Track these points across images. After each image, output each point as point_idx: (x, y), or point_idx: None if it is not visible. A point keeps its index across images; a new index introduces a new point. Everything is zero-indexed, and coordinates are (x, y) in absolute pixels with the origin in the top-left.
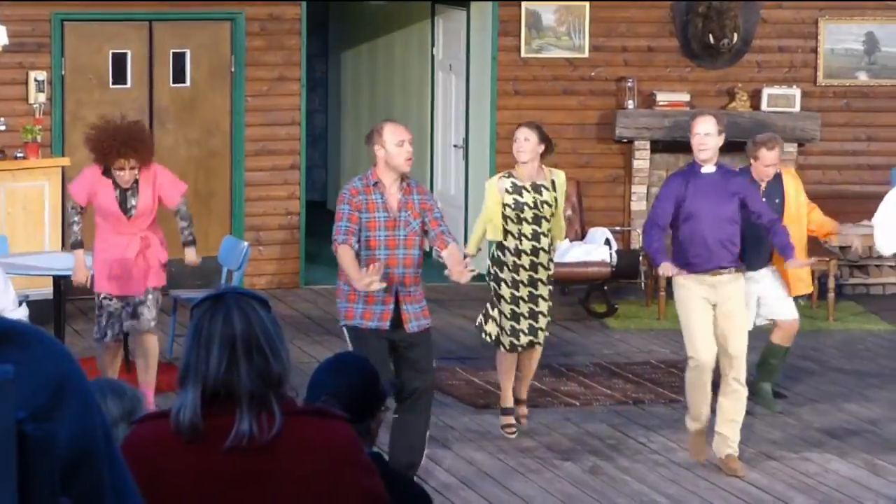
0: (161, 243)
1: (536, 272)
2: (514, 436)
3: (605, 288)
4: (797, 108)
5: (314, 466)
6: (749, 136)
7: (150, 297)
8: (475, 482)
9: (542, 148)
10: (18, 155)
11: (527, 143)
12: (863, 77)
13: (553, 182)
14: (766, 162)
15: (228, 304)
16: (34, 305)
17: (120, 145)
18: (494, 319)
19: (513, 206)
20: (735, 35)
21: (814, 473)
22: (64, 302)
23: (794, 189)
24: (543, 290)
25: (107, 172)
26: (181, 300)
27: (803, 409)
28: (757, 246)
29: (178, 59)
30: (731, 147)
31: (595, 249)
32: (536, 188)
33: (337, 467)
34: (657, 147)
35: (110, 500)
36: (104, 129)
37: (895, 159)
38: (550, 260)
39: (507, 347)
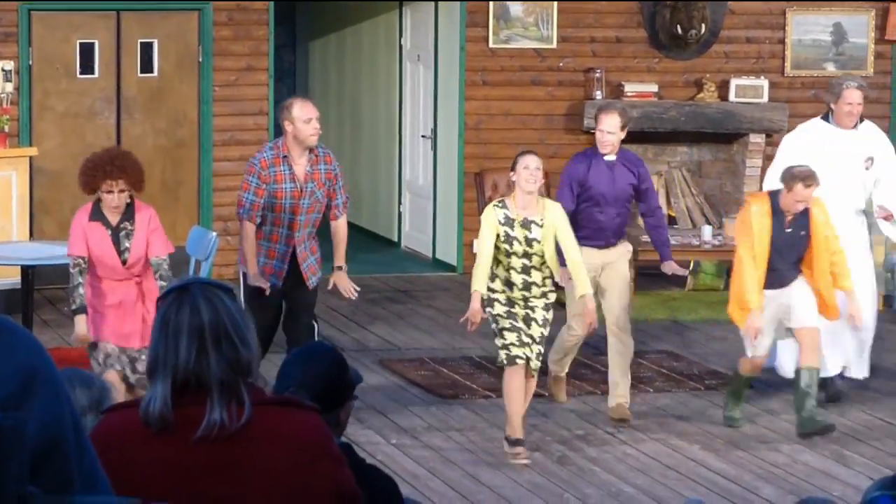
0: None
1: (528, 302)
2: (526, 461)
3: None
4: (765, 99)
5: (284, 457)
6: (716, 126)
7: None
8: (443, 472)
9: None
10: None
11: (538, 173)
12: (830, 68)
13: (544, 217)
14: (799, 197)
15: (194, 294)
16: (2, 295)
17: (107, 164)
18: (498, 345)
19: (503, 238)
20: (703, 26)
21: (782, 464)
22: (32, 292)
23: (822, 219)
24: (539, 315)
25: (95, 215)
26: None
27: (772, 400)
28: (781, 271)
29: (146, 48)
30: (700, 137)
31: None
32: (526, 224)
33: (307, 458)
34: (625, 138)
35: (79, 489)
36: (91, 157)
37: None
38: (545, 292)
39: (523, 358)
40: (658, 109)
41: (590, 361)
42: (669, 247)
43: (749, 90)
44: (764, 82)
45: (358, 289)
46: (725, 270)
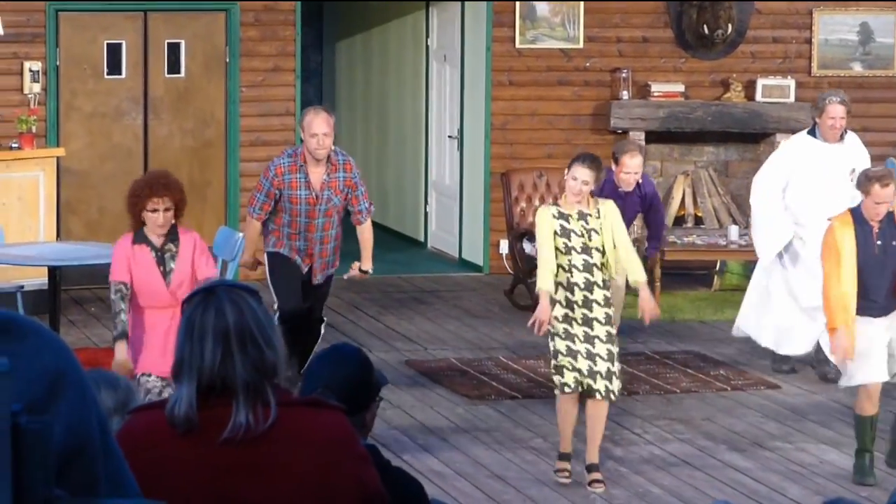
0: None
1: (591, 310)
2: (567, 480)
3: None
4: (791, 99)
5: (310, 458)
6: (743, 126)
7: None
8: (470, 473)
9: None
10: (13, 145)
11: (586, 188)
12: (857, 68)
13: (599, 210)
14: (879, 199)
15: (220, 296)
16: (29, 296)
17: (152, 182)
18: (551, 368)
19: (559, 232)
20: (729, 26)
21: (809, 464)
22: (59, 292)
23: None
24: (601, 331)
25: (138, 238)
26: None
27: (798, 400)
28: (879, 290)
29: (173, 49)
30: (726, 137)
31: None
32: (582, 216)
33: (333, 459)
34: (651, 138)
35: (106, 491)
36: (134, 181)
37: (890, 150)
38: (607, 298)
39: (572, 386)
40: (685, 109)
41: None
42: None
43: (776, 90)
44: (791, 82)
45: (366, 269)
46: (752, 270)
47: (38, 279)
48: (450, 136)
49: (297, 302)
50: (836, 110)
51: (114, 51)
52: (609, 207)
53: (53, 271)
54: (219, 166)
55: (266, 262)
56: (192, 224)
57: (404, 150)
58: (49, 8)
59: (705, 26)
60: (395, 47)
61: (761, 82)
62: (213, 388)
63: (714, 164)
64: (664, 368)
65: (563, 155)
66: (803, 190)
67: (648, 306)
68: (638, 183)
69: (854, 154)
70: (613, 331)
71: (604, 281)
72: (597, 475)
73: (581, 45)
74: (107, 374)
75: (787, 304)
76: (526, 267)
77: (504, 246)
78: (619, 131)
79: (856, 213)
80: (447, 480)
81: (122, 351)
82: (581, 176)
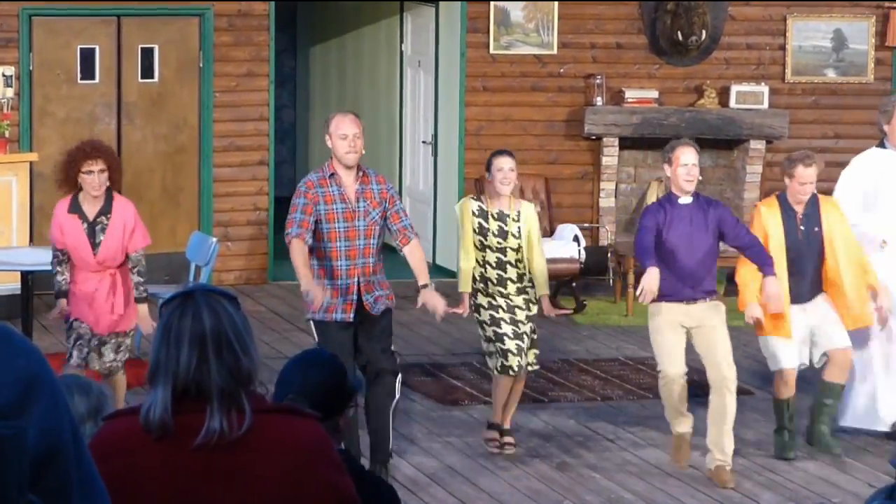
0: (132, 288)
1: (510, 300)
2: (496, 450)
3: (574, 284)
4: (765, 105)
5: (284, 464)
6: (717, 133)
7: (113, 341)
8: (443, 479)
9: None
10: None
11: (512, 174)
12: (831, 74)
13: (520, 213)
14: (803, 179)
15: (198, 301)
16: (1, 301)
17: (85, 147)
18: (488, 353)
19: (477, 230)
20: (703, 32)
21: (782, 471)
22: (32, 297)
23: (835, 219)
24: (521, 315)
25: (73, 207)
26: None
27: (771, 406)
28: (803, 276)
29: (147, 54)
30: (700, 143)
31: (563, 246)
32: (502, 217)
33: (307, 466)
34: (626, 144)
35: (77, 497)
36: (68, 148)
37: None
38: (521, 289)
39: (499, 370)
40: (659, 115)
41: (588, 367)
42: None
43: (749, 96)
44: (764, 89)
45: (450, 310)
46: (725, 276)
47: (10, 284)
48: (424, 142)
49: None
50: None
51: (87, 56)
52: (529, 212)
53: (26, 276)
54: (192, 171)
55: (314, 330)
56: (165, 228)
57: (378, 155)
58: (22, 12)
59: (679, 32)
60: (369, 52)
61: (735, 88)
62: (188, 392)
63: None
64: (638, 374)
65: (537, 161)
66: (886, 207)
67: (439, 303)
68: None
69: None
70: (533, 312)
71: (518, 275)
72: (510, 439)
73: (555, 51)
74: (80, 379)
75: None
76: None
77: None
78: (593, 137)
79: (782, 198)
80: (420, 486)
81: (60, 305)
82: (507, 164)
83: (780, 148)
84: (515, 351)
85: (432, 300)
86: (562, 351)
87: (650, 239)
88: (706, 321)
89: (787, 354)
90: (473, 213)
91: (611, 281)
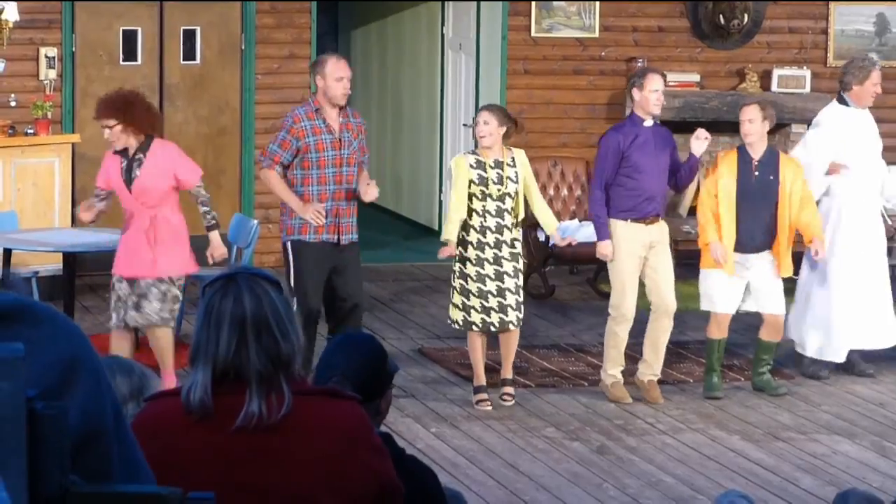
0: (179, 231)
1: (500, 250)
2: (489, 408)
3: None
4: (807, 90)
5: (324, 447)
6: None
7: (154, 289)
8: (482, 461)
9: (502, 130)
10: (29, 131)
11: (486, 127)
12: (873, 57)
13: (514, 159)
14: (743, 116)
15: (239, 284)
16: (44, 282)
17: (100, 105)
18: (457, 305)
19: (477, 181)
20: (745, 16)
21: (822, 455)
22: (74, 278)
23: (791, 174)
24: (508, 267)
25: (117, 150)
26: (189, 277)
27: (812, 390)
28: (754, 221)
29: (189, 36)
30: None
31: None
32: (499, 164)
33: (347, 448)
34: (667, 127)
35: (120, 477)
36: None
37: None
38: (516, 239)
39: (480, 326)
40: (700, 99)
41: (628, 350)
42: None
43: (791, 80)
44: (806, 73)
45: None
46: None
47: (53, 265)
48: (464, 125)
49: (320, 299)
50: (878, 75)
51: (129, 37)
52: (522, 158)
53: (69, 257)
54: (234, 153)
55: (290, 253)
56: None
57: (419, 138)
58: None
59: (721, 16)
60: (410, 36)
61: (777, 72)
62: (228, 375)
63: None
64: (677, 358)
65: (578, 144)
66: (849, 162)
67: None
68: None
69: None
70: (520, 265)
71: (513, 224)
72: (509, 389)
73: (597, 35)
74: (122, 360)
75: (825, 301)
76: (540, 256)
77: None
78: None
79: (741, 148)
80: (460, 469)
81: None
82: (482, 118)
83: None
84: (479, 308)
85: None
86: (602, 334)
87: (602, 191)
88: (659, 242)
89: (724, 299)
90: (471, 166)
91: None
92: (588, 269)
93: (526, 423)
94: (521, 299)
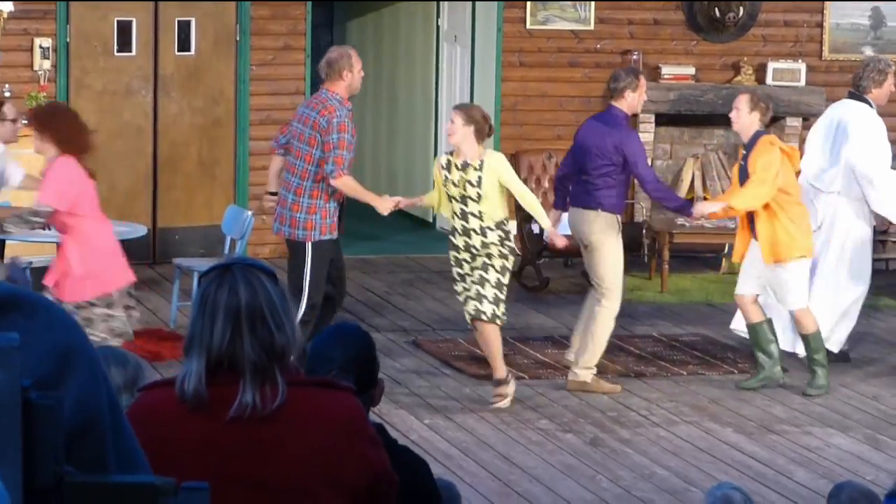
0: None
1: (469, 251)
2: (501, 404)
3: None
4: (802, 83)
5: (318, 437)
6: None
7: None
8: (476, 452)
9: (469, 129)
10: (23, 122)
11: (451, 126)
12: (868, 52)
13: (482, 163)
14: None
15: (235, 274)
16: (38, 272)
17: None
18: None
19: (443, 182)
20: (741, 9)
21: (815, 448)
22: None
23: (757, 161)
24: (476, 275)
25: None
26: (183, 268)
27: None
28: (749, 215)
29: (183, 27)
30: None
31: None
32: (465, 167)
33: (342, 439)
34: (662, 120)
35: (116, 467)
36: None
37: None
38: (486, 243)
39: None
40: (695, 92)
41: (622, 343)
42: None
43: (786, 74)
44: (801, 66)
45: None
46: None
47: (46, 256)
48: None
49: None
50: (894, 76)
51: (124, 28)
52: (493, 161)
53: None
54: (228, 145)
55: (311, 252)
56: (201, 202)
57: (414, 130)
58: None
59: (717, 9)
60: (405, 27)
61: (772, 66)
62: (222, 365)
63: (724, 147)
64: (671, 351)
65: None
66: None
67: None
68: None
69: None
70: (489, 276)
71: (481, 227)
72: (499, 389)
73: (592, 27)
74: (116, 351)
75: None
76: (534, 248)
77: (512, 227)
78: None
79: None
80: (453, 460)
81: None
82: (452, 116)
83: None
84: (472, 309)
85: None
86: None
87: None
88: None
89: (741, 281)
90: (442, 167)
91: (645, 257)
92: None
93: (519, 415)
94: (502, 296)
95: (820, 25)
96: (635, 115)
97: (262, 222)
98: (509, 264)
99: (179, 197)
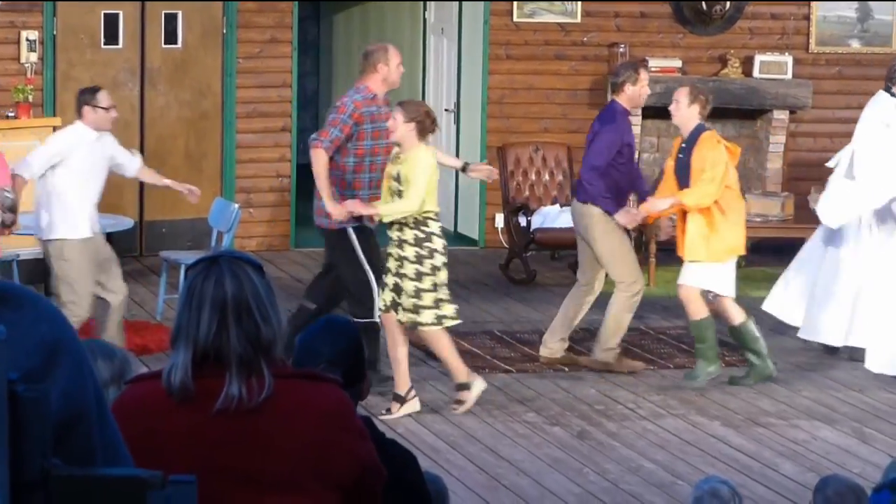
0: None
1: (402, 249)
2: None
3: None
4: (789, 76)
5: (305, 430)
6: (740, 102)
7: None
8: (463, 446)
9: (410, 126)
10: (9, 115)
11: (393, 123)
12: (855, 45)
13: (405, 157)
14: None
15: (222, 267)
16: (25, 265)
17: None
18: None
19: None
20: (727, 1)
21: (802, 441)
22: None
23: (701, 156)
24: (409, 269)
25: None
26: (170, 261)
27: (792, 376)
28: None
29: (170, 20)
30: (723, 113)
31: None
32: (394, 161)
33: (328, 431)
34: (648, 113)
35: (101, 461)
36: None
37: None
38: (402, 239)
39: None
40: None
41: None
42: None
43: (773, 66)
44: (788, 58)
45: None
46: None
47: (33, 248)
48: (446, 110)
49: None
50: None
51: (111, 21)
52: (411, 154)
53: None
54: (215, 138)
55: (356, 237)
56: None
57: None
58: None
59: (703, 2)
60: (392, 20)
61: (759, 58)
62: (208, 357)
63: None
64: (658, 344)
65: (559, 129)
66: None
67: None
68: None
69: None
70: (424, 267)
71: (400, 224)
72: (460, 395)
73: (579, 20)
74: (103, 344)
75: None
76: (521, 241)
77: (500, 220)
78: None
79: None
80: (440, 454)
81: None
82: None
83: (803, 118)
84: (400, 309)
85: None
86: (583, 320)
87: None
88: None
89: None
90: (390, 161)
91: None
92: (569, 255)
93: (506, 408)
94: (420, 302)
95: (807, 18)
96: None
97: (248, 215)
98: (427, 267)
99: (166, 190)
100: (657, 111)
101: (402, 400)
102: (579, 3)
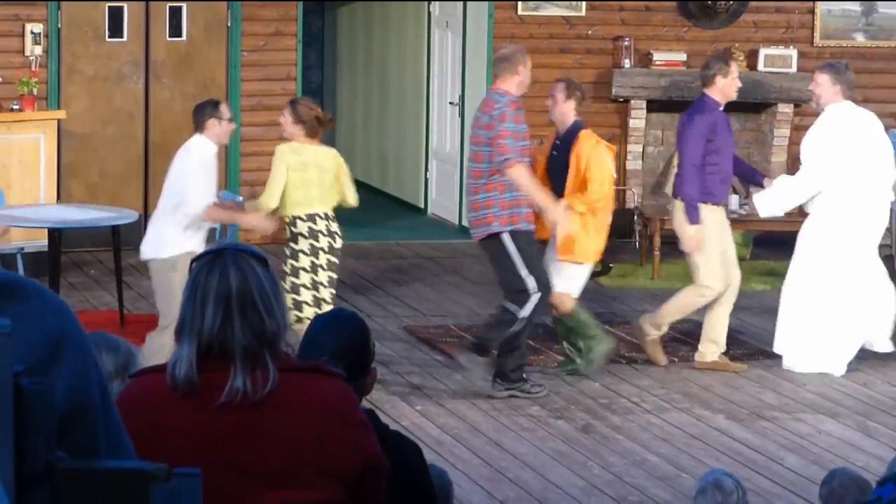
0: None
1: (318, 257)
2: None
3: None
4: (794, 69)
5: (309, 424)
6: (745, 96)
7: None
8: (467, 439)
9: (298, 127)
10: (14, 107)
11: (282, 120)
12: (860, 38)
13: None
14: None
15: (226, 260)
16: (29, 258)
17: None
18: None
19: None
20: None
21: (806, 434)
22: (59, 255)
23: (586, 154)
24: (323, 277)
25: None
26: None
27: (796, 370)
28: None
29: (175, 12)
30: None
31: None
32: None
33: (332, 425)
34: (653, 107)
35: (105, 453)
36: None
37: (891, 120)
38: (300, 234)
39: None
40: (686, 78)
41: (614, 330)
42: None
43: (778, 60)
44: (793, 52)
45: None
46: (752, 240)
47: (38, 241)
48: (451, 103)
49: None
50: None
51: (115, 14)
52: (279, 149)
53: (54, 233)
54: None
55: (508, 243)
56: None
57: (405, 116)
58: None
59: None
60: (396, 13)
61: (763, 52)
62: (212, 350)
63: None
64: (663, 338)
65: None
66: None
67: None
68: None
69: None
70: (299, 262)
71: (294, 217)
72: None
73: (583, 13)
74: (108, 337)
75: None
76: None
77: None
78: (621, 99)
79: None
80: (444, 446)
81: None
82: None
83: (807, 111)
84: (311, 302)
85: None
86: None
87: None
88: (726, 222)
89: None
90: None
91: (637, 244)
92: None
93: (511, 402)
94: (300, 298)
95: (811, 12)
96: (626, 101)
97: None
98: (300, 264)
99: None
100: (662, 104)
101: None
102: None
